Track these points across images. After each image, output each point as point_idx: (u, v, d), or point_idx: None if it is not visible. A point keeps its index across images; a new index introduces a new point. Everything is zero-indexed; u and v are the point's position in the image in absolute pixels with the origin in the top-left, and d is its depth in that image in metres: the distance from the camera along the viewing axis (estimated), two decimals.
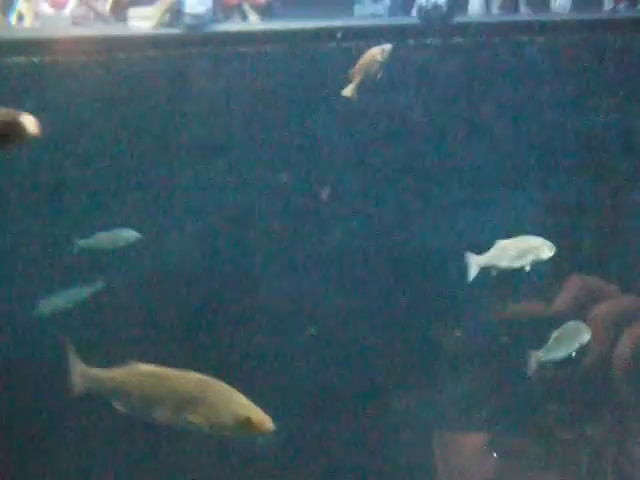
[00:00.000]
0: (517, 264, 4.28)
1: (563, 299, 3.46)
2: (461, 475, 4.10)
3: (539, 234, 5.21)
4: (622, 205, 5.48)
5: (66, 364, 3.31)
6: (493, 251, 4.34)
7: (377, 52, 5.07)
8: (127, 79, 5.54)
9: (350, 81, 4.96)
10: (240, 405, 2.67)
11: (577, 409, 4.34)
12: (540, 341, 4.04)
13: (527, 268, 4.20)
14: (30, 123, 1.89)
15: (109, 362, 3.08)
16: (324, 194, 5.52)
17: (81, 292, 5.13)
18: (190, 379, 2.84)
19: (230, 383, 2.96)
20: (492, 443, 4.23)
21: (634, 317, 3.62)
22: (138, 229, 5.06)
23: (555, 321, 3.65)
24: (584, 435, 4.24)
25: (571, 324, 3.84)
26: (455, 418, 4.89)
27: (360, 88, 5.03)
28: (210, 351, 5.34)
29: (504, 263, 4.30)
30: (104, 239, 5.09)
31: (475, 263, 4.32)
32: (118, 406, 2.94)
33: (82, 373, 3.25)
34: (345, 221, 5.48)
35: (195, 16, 5.98)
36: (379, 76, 4.98)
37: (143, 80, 5.55)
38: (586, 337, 3.81)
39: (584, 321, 3.59)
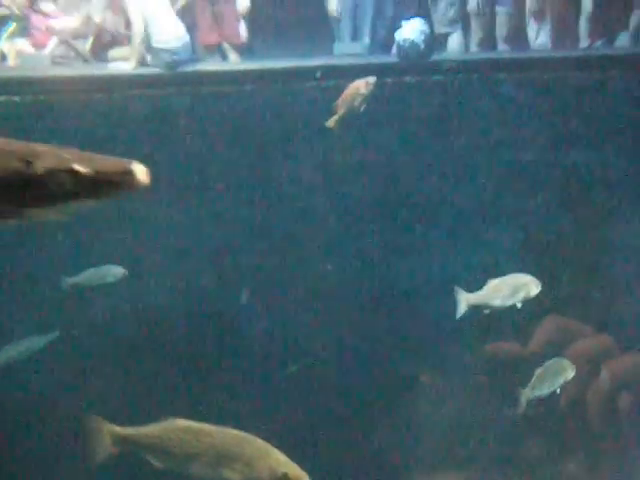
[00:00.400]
0: (509, 302, 4.31)
1: (539, 339, 3.50)
2: None
3: (517, 271, 5.27)
4: (600, 241, 5.51)
5: (90, 427, 3.27)
6: (485, 290, 4.36)
7: (361, 85, 5.11)
8: (107, 118, 5.57)
9: (334, 113, 5.02)
10: (277, 461, 2.75)
11: (557, 444, 4.36)
12: (520, 379, 4.07)
13: (518, 305, 4.23)
14: (141, 172, 1.84)
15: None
16: (305, 234, 5.54)
17: (37, 341, 5.12)
18: (227, 434, 2.90)
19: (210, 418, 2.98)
20: None
21: (608, 355, 3.67)
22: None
23: (532, 360, 3.67)
24: (564, 469, 4.26)
25: (554, 361, 3.86)
26: (436, 454, 4.88)
27: (341, 124, 5.09)
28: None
29: (497, 302, 4.33)
30: (92, 275, 5.13)
31: (466, 301, 4.34)
32: (154, 462, 2.99)
33: (112, 434, 3.22)
34: (325, 258, 5.49)
35: (172, 52, 6.03)
36: (362, 108, 5.02)
37: (123, 119, 5.57)
38: (570, 373, 3.83)
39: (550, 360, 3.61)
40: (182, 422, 3.02)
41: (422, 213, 5.56)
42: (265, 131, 5.59)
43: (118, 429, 3.19)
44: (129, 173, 1.83)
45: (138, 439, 3.08)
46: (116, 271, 5.11)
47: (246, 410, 5.33)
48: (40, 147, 1.84)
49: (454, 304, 4.88)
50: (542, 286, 5.20)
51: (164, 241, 5.47)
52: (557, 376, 3.95)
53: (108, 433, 3.19)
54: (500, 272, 5.60)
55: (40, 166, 1.77)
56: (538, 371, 3.97)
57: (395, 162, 5.55)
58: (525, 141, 5.60)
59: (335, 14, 6.60)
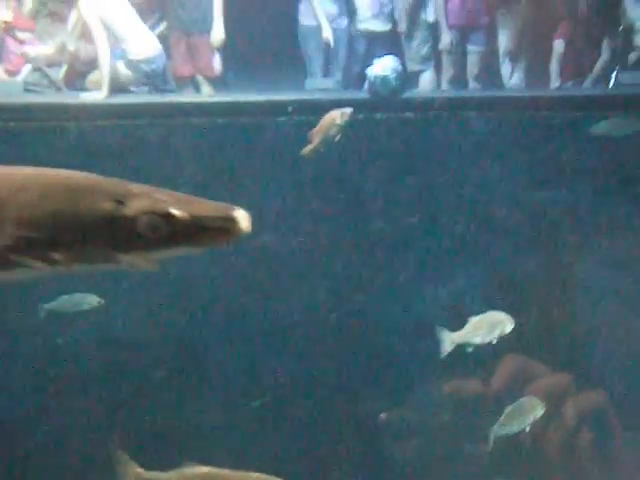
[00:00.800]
0: (487, 339, 4.36)
1: (500, 378, 3.54)
2: None
3: (484, 309, 5.31)
4: (568, 280, 5.55)
5: (118, 468, 3.32)
6: (467, 328, 4.41)
7: (336, 115, 5.14)
8: (78, 147, 5.56)
9: (309, 142, 5.05)
10: None
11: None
12: (484, 417, 4.08)
13: (494, 342, 4.29)
14: (243, 218, 1.74)
15: None
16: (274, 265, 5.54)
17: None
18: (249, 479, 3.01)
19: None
20: None
21: (567, 393, 3.73)
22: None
23: (494, 398, 3.70)
24: None
25: (524, 399, 3.90)
26: None
27: (312, 158, 5.12)
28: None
29: (477, 339, 4.39)
30: (67, 302, 5.12)
31: (450, 340, 4.39)
32: None
33: (137, 477, 3.27)
34: (293, 294, 5.49)
35: (149, 61, 6.07)
36: (337, 139, 5.05)
37: (94, 149, 5.56)
38: (539, 411, 3.85)
39: (520, 398, 3.65)
40: (203, 468, 3.13)
41: (390, 250, 5.58)
42: (236, 164, 5.60)
43: (142, 471, 3.26)
44: (231, 220, 1.73)
45: None
46: (91, 299, 5.09)
47: (210, 443, 5.31)
48: (134, 186, 1.72)
49: (416, 342, 4.96)
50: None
51: (125, 274, 5.44)
52: (527, 414, 3.98)
53: (133, 474, 3.26)
54: (467, 309, 5.65)
55: (133, 208, 1.65)
56: (508, 409, 3.99)
57: (364, 199, 5.58)
58: (494, 179, 5.64)
59: (308, 50, 6.66)
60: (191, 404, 5.47)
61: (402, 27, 6.70)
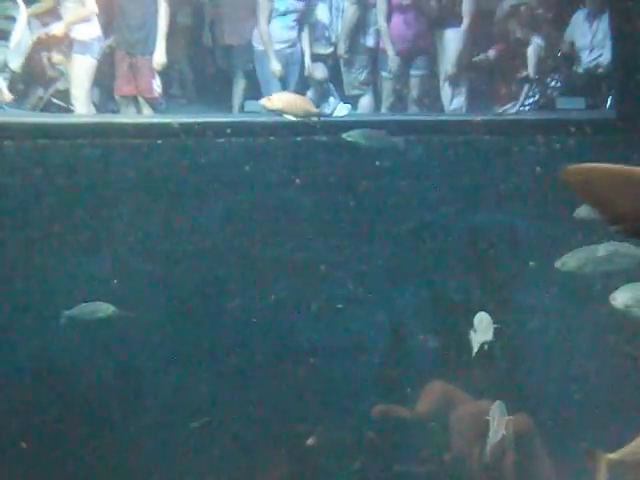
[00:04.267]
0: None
1: (424, 403, 3.59)
2: None
3: (424, 330, 5.36)
4: (506, 303, 5.61)
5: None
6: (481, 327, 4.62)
7: None
8: (15, 166, 5.54)
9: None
10: None
11: None
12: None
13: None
14: None
15: None
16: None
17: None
18: None
19: None
20: None
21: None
22: None
23: (418, 423, 3.74)
24: None
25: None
26: None
27: (249, 180, 5.18)
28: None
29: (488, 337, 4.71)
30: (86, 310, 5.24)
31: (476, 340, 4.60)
32: None
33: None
34: (229, 315, 5.49)
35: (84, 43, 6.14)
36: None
37: (32, 168, 5.54)
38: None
39: (444, 423, 3.70)
40: None
41: (329, 270, 5.60)
42: (174, 184, 5.60)
43: None
44: None
45: None
46: (106, 307, 5.23)
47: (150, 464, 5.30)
48: None
49: (352, 364, 5.03)
50: (445, 344, 5.36)
51: (71, 293, 5.43)
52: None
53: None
54: (405, 331, 5.70)
55: None
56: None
57: (303, 221, 5.60)
58: (432, 202, 5.69)
59: (264, 74, 6.69)
60: (130, 426, 5.45)
61: (341, 51, 6.78)
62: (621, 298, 4.87)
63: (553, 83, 6.49)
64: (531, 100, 6.38)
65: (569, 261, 5.10)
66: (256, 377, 5.46)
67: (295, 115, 5.74)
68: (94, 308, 5.19)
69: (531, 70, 6.43)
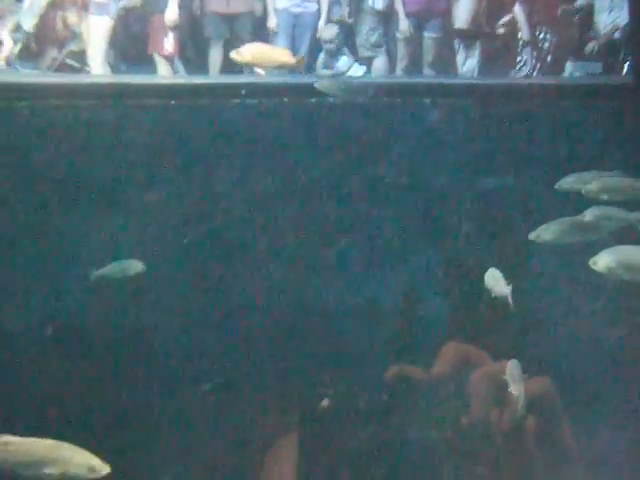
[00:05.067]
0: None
1: (440, 364, 3.53)
2: None
3: (433, 293, 5.35)
4: (517, 267, 5.59)
5: None
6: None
7: None
8: (29, 127, 5.53)
9: None
10: (86, 457, 3.20)
11: (464, 469, 4.36)
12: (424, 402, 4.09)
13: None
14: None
15: None
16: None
17: None
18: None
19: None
20: None
21: (509, 380, 3.74)
22: None
23: (434, 384, 3.70)
24: None
25: None
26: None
27: (265, 141, 5.15)
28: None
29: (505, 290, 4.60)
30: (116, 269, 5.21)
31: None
32: None
33: None
34: (240, 276, 5.49)
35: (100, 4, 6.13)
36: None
37: (46, 129, 5.53)
38: None
39: (461, 386, 3.65)
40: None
41: (340, 235, 5.60)
42: (190, 145, 5.59)
43: None
44: None
45: None
46: (136, 265, 5.19)
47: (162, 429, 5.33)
48: None
49: (367, 328, 5.01)
50: (454, 310, 5.34)
51: (85, 255, 5.44)
52: None
53: None
54: (418, 294, 5.69)
55: None
56: None
57: (316, 184, 5.59)
58: (446, 165, 5.67)
59: (271, 31, 6.67)
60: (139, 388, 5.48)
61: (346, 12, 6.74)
62: (602, 262, 4.71)
63: (565, 46, 6.45)
64: (537, 64, 6.34)
65: (543, 233, 5.00)
66: (271, 340, 5.47)
67: (267, 67, 5.60)
68: (125, 266, 5.18)
69: (524, 33, 6.38)
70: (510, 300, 4.57)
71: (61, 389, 5.28)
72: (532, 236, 4.92)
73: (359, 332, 5.41)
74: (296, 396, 5.33)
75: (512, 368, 4.24)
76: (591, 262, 4.71)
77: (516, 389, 4.23)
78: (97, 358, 5.35)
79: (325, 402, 5.13)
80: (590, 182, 5.01)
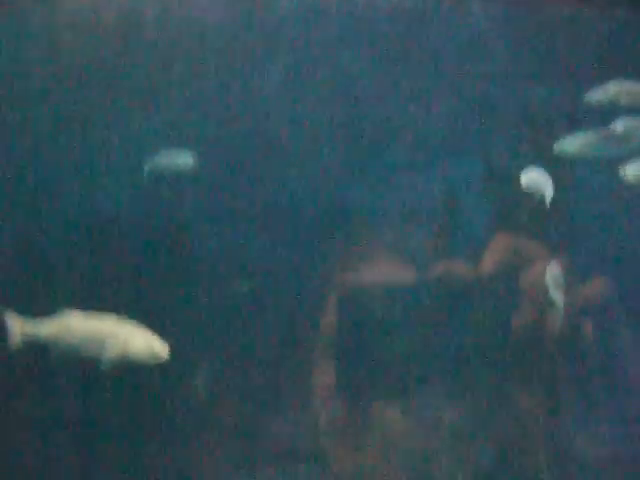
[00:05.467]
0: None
1: (490, 260, 3.42)
2: None
3: (475, 203, 5.28)
4: (561, 176, 5.52)
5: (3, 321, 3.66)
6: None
7: None
8: None
9: None
10: (146, 336, 3.38)
11: (510, 376, 4.26)
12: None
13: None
14: None
15: None
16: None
17: None
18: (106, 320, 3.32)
19: None
20: None
21: (567, 281, 3.58)
22: None
23: (482, 283, 3.61)
24: (519, 403, 4.19)
25: None
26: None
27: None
28: None
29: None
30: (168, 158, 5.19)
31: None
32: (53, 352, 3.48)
33: (20, 326, 3.64)
34: (281, 178, 5.44)
35: None
36: None
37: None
38: None
39: (514, 283, 3.56)
40: (79, 314, 3.56)
41: (385, 137, 5.52)
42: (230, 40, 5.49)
43: (23, 320, 3.63)
44: None
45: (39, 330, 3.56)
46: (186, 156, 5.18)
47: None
48: None
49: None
50: (498, 215, 5.26)
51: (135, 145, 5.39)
52: None
53: (17, 324, 3.62)
54: (458, 203, 5.63)
55: None
56: None
57: (359, 81, 5.48)
58: (490, 73, 5.56)
59: None
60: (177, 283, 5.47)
61: None
62: (633, 171, 4.56)
63: None
64: None
65: (568, 145, 4.83)
66: (311, 238, 5.43)
67: None
68: (175, 156, 5.12)
69: None
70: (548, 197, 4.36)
71: (99, 277, 5.27)
72: (557, 148, 4.77)
73: (399, 234, 5.35)
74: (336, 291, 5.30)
75: (553, 271, 4.07)
76: (621, 171, 4.55)
77: (556, 294, 4.07)
78: (138, 252, 5.34)
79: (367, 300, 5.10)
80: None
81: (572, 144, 4.75)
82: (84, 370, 4.01)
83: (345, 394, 4.14)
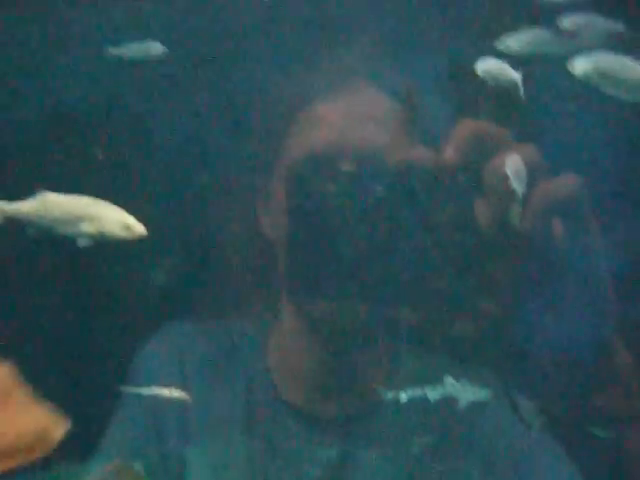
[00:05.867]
0: None
1: (453, 146, 3.02)
2: None
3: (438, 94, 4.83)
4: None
5: None
6: None
7: None
8: None
9: None
10: (122, 215, 3.34)
11: (470, 274, 3.92)
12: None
13: None
14: None
15: None
16: None
17: None
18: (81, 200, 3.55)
19: None
20: None
21: (537, 171, 3.21)
22: None
23: (448, 170, 3.22)
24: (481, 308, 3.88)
25: None
26: None
27: None
28: None
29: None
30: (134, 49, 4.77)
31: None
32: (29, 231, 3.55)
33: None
34: None
35: None
36: None
37: None
38: None
39: (479, 173, 3.19)
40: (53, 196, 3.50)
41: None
42: None
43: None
44: None
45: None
46: (156, 47, 4.73)
47: None
48: None
49: None
50: (461, 107, 4.82)
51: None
52: None
53: None
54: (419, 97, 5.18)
55: None
56: None
57: None
58: None
59: None
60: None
61: None
62: (581, 66, 4.09)
63: None
64: None
65: (511, 43, 4.38)
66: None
67: None
68: (144, 47, 4.69)
69: None
70: (521, 86, 3.92)
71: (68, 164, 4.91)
72: (499, 45, 4.33)
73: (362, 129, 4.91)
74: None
75: (514, 160, 3.61)
76: (569, 65, 4.08)
77: (517, 183, 3.67)
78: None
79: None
80: None
81: (516, 41, 4.29)
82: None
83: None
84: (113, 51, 4.56)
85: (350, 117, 3.62)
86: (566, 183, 2.93)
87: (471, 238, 3.13)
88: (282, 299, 3.51)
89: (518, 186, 2.86)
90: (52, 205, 3.70)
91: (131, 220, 3.52)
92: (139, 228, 3.53)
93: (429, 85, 4.31)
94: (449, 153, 3.03)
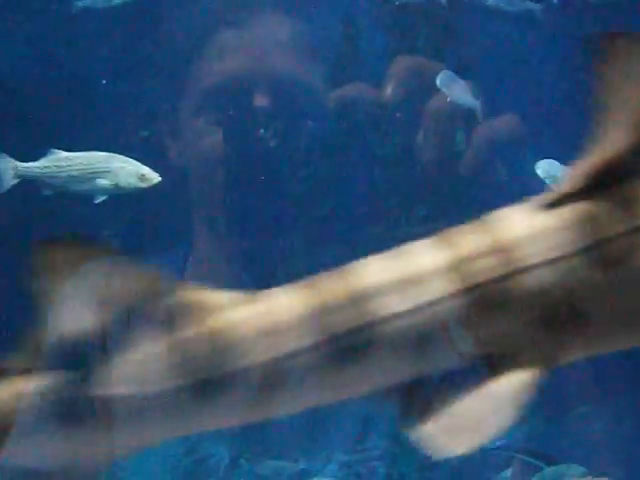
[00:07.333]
0: None
1: (390, 83, 3.22)
2: None
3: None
4: None
5: None
6: None
7: None
8: None
9: None
10: (137, 167, 3.52)
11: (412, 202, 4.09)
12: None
13: None
14: None
15: None
16: None
17: None
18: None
19: None
20: None
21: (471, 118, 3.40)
22: None
23: (387, 107, 3.41)
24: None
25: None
26: None
27: None
28: None
29: None
30: None
31: None
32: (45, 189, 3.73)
33: (13, 167, 3.82)
34: None
35: None
36: None
37: None
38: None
39: (417, 105, 3.38)
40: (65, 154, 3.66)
41: None
42: None
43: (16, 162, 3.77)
44: None
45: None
46: None
47: None
48: None
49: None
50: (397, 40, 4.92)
51: None
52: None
53: (10, 165, 3.79)
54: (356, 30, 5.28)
55: None
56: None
57: None
58: None
59: None
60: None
61: None
62: None
63: None
64: None
65: None
66: None
67: None
68: None
69: None
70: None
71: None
72: None
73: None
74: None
75: (444, 74, 3.72)
76: None
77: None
78: None
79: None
80: None
81: None
82: None
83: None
84: (79, 3, 4.71)
85: (264, 45, 3.51)
86: (506, 122, 3.21)
87: (417, 168, 3.38)
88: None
89: (456, 93, 3.00)
90: (66, 162, 3.69)
91: (146, 169, 3.69)
92: (154, 176, 3.69)
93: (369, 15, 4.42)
94: (387, 89, 3.25)
